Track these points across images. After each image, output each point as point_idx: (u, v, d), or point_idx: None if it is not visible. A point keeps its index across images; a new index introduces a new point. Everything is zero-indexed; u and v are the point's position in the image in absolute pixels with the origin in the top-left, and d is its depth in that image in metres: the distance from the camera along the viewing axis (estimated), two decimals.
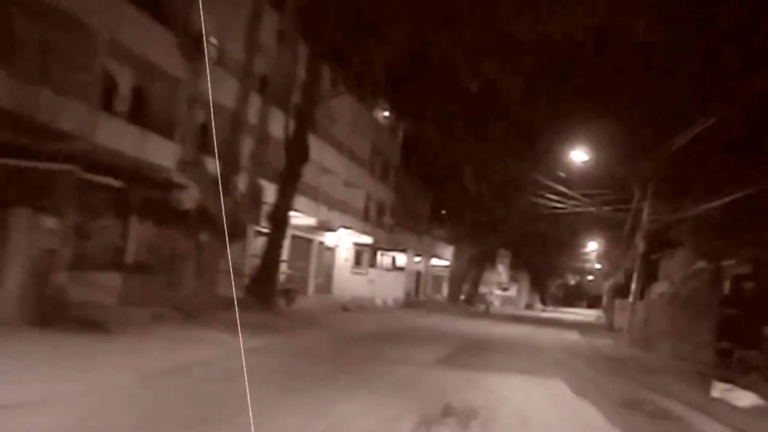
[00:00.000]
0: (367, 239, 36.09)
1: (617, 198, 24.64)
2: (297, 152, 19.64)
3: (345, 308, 25.90)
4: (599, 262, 63.44)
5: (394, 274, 36.29)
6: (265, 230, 25.43)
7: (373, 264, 38.31)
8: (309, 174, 29.92)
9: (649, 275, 33.92)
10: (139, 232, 19.34)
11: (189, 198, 19.20)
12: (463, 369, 11.41)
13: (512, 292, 61.08)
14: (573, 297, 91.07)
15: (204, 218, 14.45)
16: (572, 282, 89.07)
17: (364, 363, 11.23)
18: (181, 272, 14.96)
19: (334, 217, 31.46)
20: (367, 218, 36.78)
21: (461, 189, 37.54)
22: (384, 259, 40.17)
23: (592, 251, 61.01)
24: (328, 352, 12.48)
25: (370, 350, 13.24)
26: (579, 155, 24.30)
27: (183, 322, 13.68)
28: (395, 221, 39.83)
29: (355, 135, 34.51)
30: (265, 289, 18.83)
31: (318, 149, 29.44)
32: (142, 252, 19.48)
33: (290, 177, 19.58)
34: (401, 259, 40.90)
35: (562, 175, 26.00)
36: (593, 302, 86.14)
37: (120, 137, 17.31)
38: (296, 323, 17.15)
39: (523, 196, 31.28)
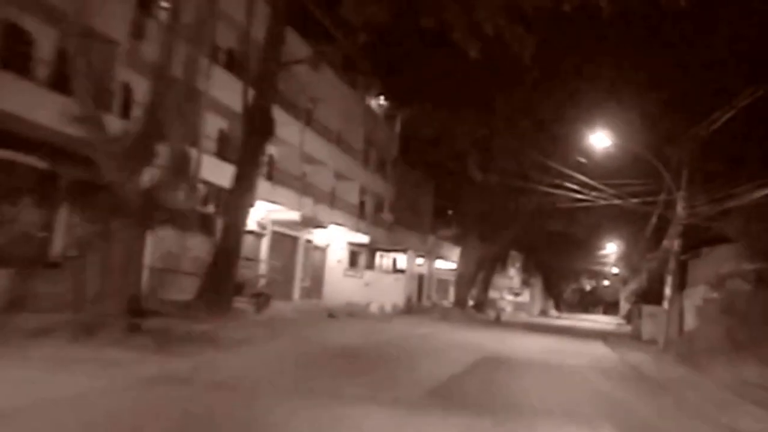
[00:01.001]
0: (363, 238, 32.44)
1: (644, 190, 20.91)
2: (257, 124, 15.97)
3: (331, 315, 22.30)
4: (617, 265, 59.75)
5: (393, 276, 32.58)
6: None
7: (370, 266, 34.69)
8: (291, 162, 26.46)
9: (679, 279, 30.27)
10: (68, 221, 15.98)
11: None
12: (467, 410, 7.65)
13: (524, 297, 57.25)
14: (588, 303, 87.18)
15: (118, 200, 10.90)
16: (588, 287, 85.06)
17: (312, 399, 7.58)
18: (88, 269, 11.39)
19: (323, 212, 27.86)
20: (362, 215, 33.13)
21: (467, 181, 33.81)
22: (384, 260, 36.52)
23: (611, 254, 57.26)
24: (271, 380, 8.85)
25: (333, 376, 9.59)
26: (600, 139, 20.44)
27: (79, 335, 10.12)
28: (395, 219, 36.10)
29: (346, 122, 30.93)
30: (219, 292, 15.23)
31: (300, 134, 25.99)
32: (73, 245, 16.18)
33: (250, 154, 15.89)
34: (402, 260, 37.33)
35: (583, 160, 22.22)
36: (609, 308, 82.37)
37: (39, 107, 13.92)
38: (255, 335, 13.58)
39: (537, 188, 27.40)
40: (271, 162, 25.49)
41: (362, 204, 33.36)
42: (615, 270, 66.88)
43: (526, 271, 59.82)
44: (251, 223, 23.90)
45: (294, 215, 25.19)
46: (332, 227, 29.13)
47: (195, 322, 13.84)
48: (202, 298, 15.07)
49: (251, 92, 16.37)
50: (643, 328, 27.06)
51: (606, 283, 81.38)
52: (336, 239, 31.16)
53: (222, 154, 21.38)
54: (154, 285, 18.97)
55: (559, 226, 38.71)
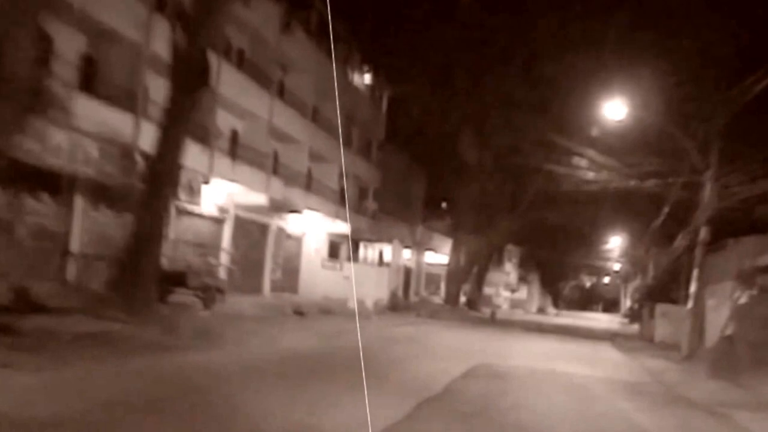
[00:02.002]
0: (344, 227, 29.32)
1: (659, 171, 17.81)
2: (186, 73, 12.71)
3: (298, 312, 19.22)
4: (621, 260, 56.95)
5: (377, 270, 29.47)
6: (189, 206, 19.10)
7: (353, 258, 31.62)
8: (258, 138, 23.32)
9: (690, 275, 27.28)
10: None
11: None
12: None
13: (521, 294, 54.26)
14: (586, 300, 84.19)
15: None
16: (588, 284, 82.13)
17: None
18: None
19: (296, 195, 24.75)
20: (343, 201, 29.98)
21: (460, 164, 30.81)
22: (369, 252, 33.46)
23: (613, 248, 54.31)
24: (128, 411, 5.77)
25: (225, 407, 6.43)
26: (614, 110, 17.21)
27: None
28: (381, 207, 32.95)
29: (324, 97, 27.76)
30: (135, 283, 12.07)
31: (269, 106, 22.87)
32: None
33: (178, 111, 12.62)
34: (389, 252, 34.27)
35: (595, 133, 19.02)
36: (609, 306, 79.29)
37: None
38: (175, 339, 10.48)
39: (540, 167, 24.20)
40: (235, 137, 22.34)
41: (343, 189, 30.22)
42: (616, 266, 64.27)
43: (524, 266, 56.90)
44: (210, 206, 20.87)
45: (261, 198, 22.07)
46: (308, 214, 26.01)
47: (102, 321, 10.79)
48: (119, 290, 11.92)
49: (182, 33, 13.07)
50: (657, 329, 24.01)
51: (606, 280, 78.58)
52: (313, 228, 28.04)
53: None
54: (81, 274, 15.99)
55: (560, 218, 35.64)
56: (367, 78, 32.71)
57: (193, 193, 18.25)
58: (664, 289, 30.43)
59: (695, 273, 16.85)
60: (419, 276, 34.80)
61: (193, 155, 18.06)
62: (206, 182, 18.79)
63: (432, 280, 39.05)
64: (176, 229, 18.26)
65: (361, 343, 12.31)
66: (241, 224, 22.80)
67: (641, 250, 38.38)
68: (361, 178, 32.28)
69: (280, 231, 25.68)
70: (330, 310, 21.64)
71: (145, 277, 12.03)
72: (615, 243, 50.35)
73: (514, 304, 49.19)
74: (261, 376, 8.52)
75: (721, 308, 17.48)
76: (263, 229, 24.56)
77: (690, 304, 16.85)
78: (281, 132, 24.05)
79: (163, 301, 15.01)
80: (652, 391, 10.79)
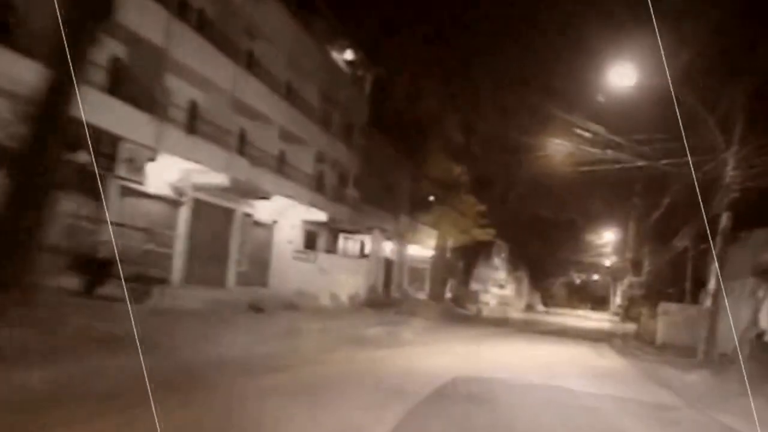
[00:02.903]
0: (321, 215, 26.96)
1: (674, 147, 15.56)
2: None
3: (255, 308, 16.90)
4: (613, 256, 55.09)
5: (355, 262, 27.16)
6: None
7: (331, 249, 29.30)
8: (221, 112, 20.92)
9: (696, 271, 25.15)
10: None
11: None
12: None
13: (510, 290, 52.10)
14: (575, 298, 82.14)
15: None
16: (577, 281, 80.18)
17: None
18: None
19: (266, 180, 22.35)
20: (321, 188, 27.64)
21: (446, 147, 28.59)
22: (350, 243, 31.13)
23: (605, 244, 52.40)
24: None
25: None
26: (620, 76, 14.86)
27: None
28: (363, 196, 30.56)
29: (300, 73, 25.39)
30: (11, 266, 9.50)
31: (230, 75, 20.43)
32: None
33: (70, 49, 9.85)
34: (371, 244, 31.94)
35: (599, 99, 16.65)
36: (598, 304, 77.01)
37: None
38: (49, 343, 8.03)
39: (532, 148, 21.87)
40: (193, 110, 19.90)
41: (321, 175, 27.88)
42: (607, 263, 62.44)
43: (512, 262, 54.77)
44: (162, 187, 18.46)
45: (222, 179, 19.67)
46: (280, 200, 23.63)
47: None
48: None
49: None
50: (660, 330, 21.85)
51: (596, 277, 76.67)
52: (286, 215, 25.62)
53: (115, 90, 15.86)
54: None
55: (550, 210, 33.66)
56: (349, 56, 30.32)
57: (136, 169, 15.83)
58: (663, 286, 28.36)
59: (714, 267, 14.64)
60: (402, 269, 32.43)
61: (134, 125, 15.75)
62: (152, 158, 16.34)
63: (417, 274, 36.74)
64: (118, 210, 15.86)
65: (331, 347, 9.92)
66: (201, 209, 20.38)
67: (636, 243, 36.24)
68: (341, 163, 29.89)
69: (247, 218, 23.27)
70: (296, 305, 19.34)
71: (21, 259, 9.47)
72: (607, 238, 48.59)
73: (503, 301, 46.99)
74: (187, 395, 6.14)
75: (739, 307, 15.37)
76: (227, 215, 22.15)
77: (708, 302, 14.64)
78: (248, 108, 21.63)
79: (89, 293, 12.67)
80: (687, 419, 8.49)
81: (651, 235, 27.89)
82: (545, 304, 63.10)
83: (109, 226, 14.01)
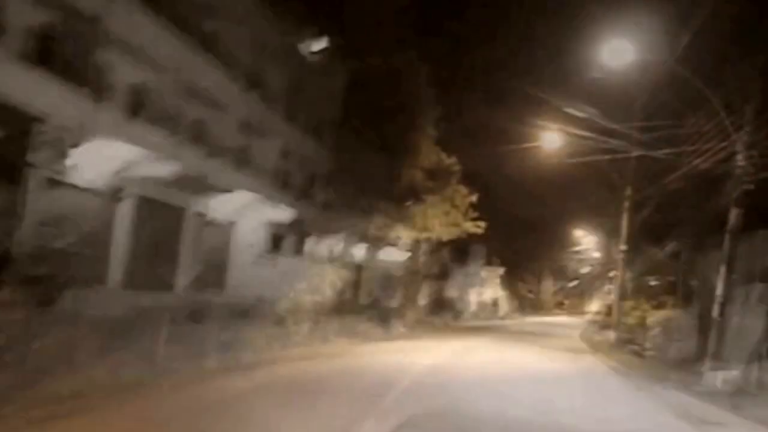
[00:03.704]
0: (286, 215, 24.91)
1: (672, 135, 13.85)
2: None
3: (195, 316, 14.85)
4: (592, 262, 53.84)
5: (322, 266, 25.06)
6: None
7: (298, 252, 27.24)
8: (171, 96, 18.83)
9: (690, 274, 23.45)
10: None
11: None
12: None
13: (487, 295, 50.41)
14: (554, 304, 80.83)
15: None
16: (555, 288, 78.82)
17: None
18: None
19: (223, 173, 20.30)
20: (287, 186, 25.59)
21: (422, 139, 26.81)
22: (317, 246, 29.05)
23: (584, 249, 51.16)
24: None
25: None
26: (616, 53, 13.03)
27: None
28: (333, 194, 28.46)
29: (265, 61, 23.36)
30: None
31: (182, 55, 18.40)
32: None
33: None
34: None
35: (597, 76, 14.79)
36: (575, 310, 75.38)
37: None
38: None
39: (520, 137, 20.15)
40: (139, 91, 17.75)
41: (287, 172, 25.81)
42: (584, 270, 61.43)
43: (490, 266, 53.11)
44: (98, 178, 16.28)
45: (170, 170, 17.58)
46: (239, 196, 21.57)
47: None
48: None
49: None
50: (649, 340, 20.09)
51: (573, 283, 75.55)
52: (247, 215, 23.50)
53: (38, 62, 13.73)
54: None
55: (534, 209, 32.11)
56: (321, 45, 28.31)
57: (58, 155, 13.68)
58: (654, 290, 26.69)
59: (722, 271, 12.85)
60: (374, 274, 30.32)
61: (57, 102, 13.65)
62: (75, 144, 14.19)
63: (390, 279, 34.67)
64: (36, 204, 13.69)
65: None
66: (146, 205, 18.21)
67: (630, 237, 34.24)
68: (310, 160, 27.85)
69: (201, 217, 21.13)
70: (251, 312, 17.26)
71: None
72: (587, 244, 47.42)
73: (480, 307, 45.55)
74: None
75: (746, 316, 13.62)
76: (178, 212, 20.00)
77: (715, 311, 12.84)
78: (204, 94, 19.61)
79: None
80: None
81: (642, 233, 26.06)
82: (522, 310, 61.44)
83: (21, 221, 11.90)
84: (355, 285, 27.01)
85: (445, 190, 30.69)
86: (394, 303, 29.75)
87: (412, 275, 31.89)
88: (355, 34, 26.91)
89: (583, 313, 60.88)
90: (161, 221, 19.30)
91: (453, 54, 25.64)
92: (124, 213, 17.28)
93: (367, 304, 26.94)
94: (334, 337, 21.95)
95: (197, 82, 19.14)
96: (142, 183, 17.52)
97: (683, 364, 15.39)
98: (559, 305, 72.45)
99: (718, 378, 11.90)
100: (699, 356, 14.34)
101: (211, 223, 21.95)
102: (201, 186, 19.37)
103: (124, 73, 16.94)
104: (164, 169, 17.54)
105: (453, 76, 25.89)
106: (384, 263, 32.22)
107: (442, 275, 37.33)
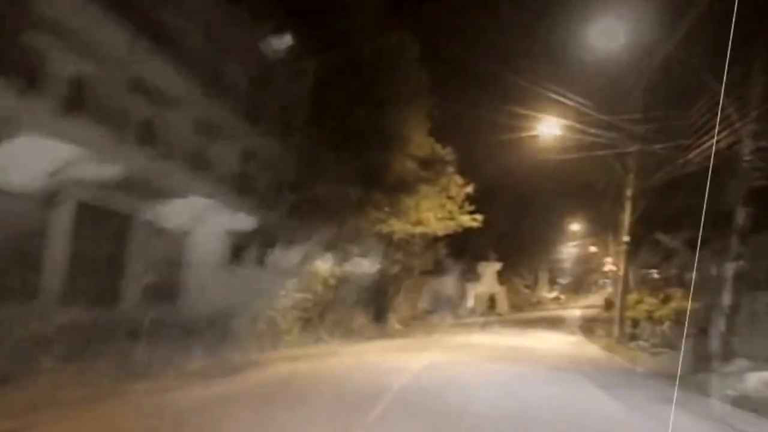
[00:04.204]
0: (249, 223, 23.23)
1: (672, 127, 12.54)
2: None
3: (131, 334, 13.13)
4: (590, 255, 53.56)
5: (285, 278, 23.41)
6: None
7: (262, 262, 25.53)
8: (116, 91, 17.09)
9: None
10: None
11: None
12: None
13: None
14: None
15: None
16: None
17: None
18: None
19: (176, 176, 18.60)
20: (249, 191, 23.89)
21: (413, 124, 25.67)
22: (282, 256, 27.28)
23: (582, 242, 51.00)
24: None
25: None
26: (606, 36, 11.61)
27: None
28: (303, 203, 26.60)
29: (224, 57, 21.72)
30: None
31: (126, 44, 16.69)
32: None
33: None
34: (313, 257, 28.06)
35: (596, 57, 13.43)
36: (570, 303, 73.81)
37: None
38: None
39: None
40: (76, 84, 15.98)
41: (250, 176, 24.13)
42: (581, 264, 61.49)
43: (487, 262, 51.66)
44: (26, 179, 14.48)
45: (113, 172, 15.83)
46: (195, 202, 19.87)
47: None
48: None
49: None
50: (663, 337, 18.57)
51: (569, 278, 74.93)
52: (205, 222, 21.75)
53: None
54: None
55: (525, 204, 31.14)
56: (287, 42, 26.71)
57: None
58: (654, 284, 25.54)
59: (728, 278, 11.45)
60: (343, 287, 28.52)
61: None
62: None
63: (361, 292, 33.00)
64: None
65: None
66: (87, 212, 16.37)
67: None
68: (275, 164, 26.17)
69: (152, 224, 19.32)
70: (201, 330, 15.58)
71: None
72: (583, 238, 47.20)
73: (477, 302, 44.98)
74: None
75: (755, 328, 12.23)
76: (124, 219, 18.19)
77: (721, 325, 11.41)
78: (154, 89, 17.93)
79: None
80: None
81: (645, 223, 24.59)
82: (522, 305, 60.04)
83: None
84: (322, 298, 25.26)
85: (439, 180, 29.07)
86: (362, 318, 28.17)
87: (383, 288, 30.34)
88: (328, 23, 25.42)
89: (579, 307, 60.03)
90: (105, 229, 17.54)
91: (440, 40, 24.20)
92: (61, 220, 15.47)
93: (334, 317, 25.27)
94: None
95: (146, 76, 17.45)
96: (81, 186, 15.74)
97: (700, 362, 14.02)
98: (555, 300, 71.51)
99: (751, 380, 10.36)
100: (721, 354, 13.00)
101: (163, 232, 20.17)
102: (150, 191, 17.65)
103: (60, 63, 15.22)
104: (107, 171, 15.83)
105: (444, 62, 24.59)
106: (355, 274, 30.50)
107: (438, 271, 36.16)
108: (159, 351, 13.36)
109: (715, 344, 15.46)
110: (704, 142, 11.39)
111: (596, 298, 62.20)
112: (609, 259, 51.55)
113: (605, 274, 59.35)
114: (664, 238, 23.23)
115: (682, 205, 18.52)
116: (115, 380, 11.00)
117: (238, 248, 24.18)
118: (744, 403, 9.75)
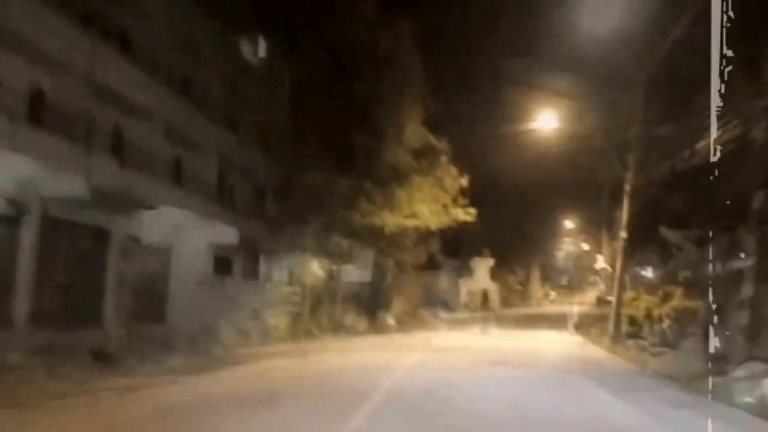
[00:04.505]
0: (231, 235, 22.39)
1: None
2: None
3: (98, 354, 12.47)
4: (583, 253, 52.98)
5: (272, 289, 22.67)
6: None
7: (249, 275, 24.72)
8: (75, 99, 16.31)
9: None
10: None
11: None
12: None
13: (478, 286, 48.29)
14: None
15: None
16: (543, 279, 77.50)
17: None
18: None
19: (151, 188, 17.81)
20: (230, 203, 23.13)
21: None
22: (268, 268, 26.55)
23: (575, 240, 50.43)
24: None
25: None
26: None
27: None
28: (287, 212, 25.83)
29: (198, 63, 21.05)
30: None
31: (87, 51, 15.95)
32: None
33: None
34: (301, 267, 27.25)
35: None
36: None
37: None
38: None
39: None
40: (40, 96, 15.20)
41: (230, 187, 23.36)
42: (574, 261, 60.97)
43: (480, 258, 50.91)
44: None
45: (80, 187, 15.01)
46: (172, 216, 19.06)
47: None
48: None
49: None
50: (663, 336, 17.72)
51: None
52: (187, 236, 20.93)
53: None
54: None
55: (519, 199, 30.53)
56: (262, 50, 26.03)
57: None
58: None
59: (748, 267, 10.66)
60: (334, 295, 27.75)
61: None
62: None
63: (355, 299, 32.21)
64: None
65: None
66: (57, 228, 15.58)
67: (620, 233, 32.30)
68: (256, 174, 25.42)
69: (131, 239, 18.51)
70: (175, 346, 14.82)
71: None
72: (576, 235, 46.65)
73: (470, 299, 44.30)
74: None
75: None
76: (100, 236, 17.38)
77: (732, 324, 10.57)
78: (122, 98, 17.18)
79: None
80: None
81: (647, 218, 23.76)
82: (514, 301, 59.26)
83: None
84: (313, 307, 24.45)
85: (433, 171, 28.30)
86: (360, 325, 27.34)
87: (377, 294, 29.60)
88: (299, 39, 24.76)
89: (570, 304, 59.37)
90: (80, 246, 16.74)
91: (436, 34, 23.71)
92: (28, 238, 14.65)
93: (327, 326, 24.47)
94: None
95: (113, 85, 16.68)
96: (48, 202, 14.94)
97: (709, 364, 13.12)
98: (547, 296, 70.81)
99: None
100: (732, 356, 12.20)
101: (144, 247, 19.36)
102: (123, 204, 16.85)
103: (20, 74, 14.46)
104: (73, 184, 15.01)
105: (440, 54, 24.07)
106: (346, 282, 29.69)
107: (432, 267, 35.42)
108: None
109: (722, 345, 14.60)
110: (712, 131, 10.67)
111: (588, 296, 61.89)
112: (600, 257, 51.02)
113: (597, 272, 58.69)
114: (670, 234, 22.44)
115: (689, 198, 17.87)
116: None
117: (225, 261, 23.37)
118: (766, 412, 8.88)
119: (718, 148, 16.13)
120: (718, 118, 10.97)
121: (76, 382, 10.79)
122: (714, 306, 17.80)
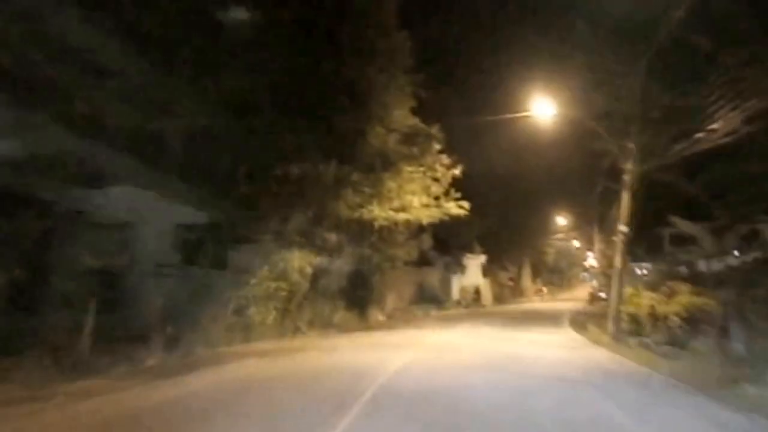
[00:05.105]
0: (200, 216, 20.11)
1: None
2: None
3: None
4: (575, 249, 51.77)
5: (245, 278, 20.43)
6: None
7: (219, 262, 22.34)
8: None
9: None
10: None
11: None
12: None
13: (470, 282, 47.22)
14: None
15: None
16: (535, 275, 76.82)
17: None
18: None
19: (97, 154, 15.45)
20: (199, 179, 20.69)
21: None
22: (242, 255, 24.07)
23: (567, 236, 49.43)
24: None
25: None
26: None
27: None
28: (261, 190, 23.36)
29: (158, 17, 18.57)
30: None
31: None
32: None
33: None
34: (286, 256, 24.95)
35: None
36: (554, 296, 72.69)
37: None
38: None
39: None
40: None
41: (196, 158, 20.93)
42: (566, 257, 59.97)
43: (472, 254, 49.78)
44: None
45: (9, 147, 12.68)
46: (129, 192, 16.77)
47: None
48: None
49: None
50: (670, 335, 16.28)
51: (552, 271, 73.32)
52: (149, 216, 18.60)
53: None
54: None
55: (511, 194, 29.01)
56: (240, 11, 23.52)
57: None
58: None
59: None
60: (316, 287, 25.37)
61: None
62: None
63: (345, 280, 30.12)
64: None
65: None
66: None
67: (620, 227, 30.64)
68: (228, 147, 22.89)
69: (80, 215, 16.11)
70: (153, 343, 12.79)
71: None
72: (567, 231, 45.72)
73: (462, 295, 44.87)
74: None
75: None
76: (43, 208, 14.96)
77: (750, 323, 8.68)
78: (70, 50, 14.73)
79: None
80: None
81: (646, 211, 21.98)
82: (506, 297, 58.03)
83: None
84: (289, 300, 22.18)
85: (424, 158, 26.22)
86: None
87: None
88: None
89: (562, 300, 58.58)
90: (16, 221, 14.36)
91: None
92: None
93: (307, 320, 22.36)
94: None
95: (60, 33, 14.28)
96: None
97: (729, 368, 11.52)
98: (539, 292, 69.72)
99: None
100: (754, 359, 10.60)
101: (101, 225, 17.05)
102: (68, 174, 14.52)
103: None
104: (11, 147, 12.72)
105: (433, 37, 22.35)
106: (330, 272, 27.46)
107: (423, 262, 34.71)
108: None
109: (743, 345, 13.14)
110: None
111: (579, 292, 61.53)
112: (591, 254, 50.18)
113: (587, 269, 57.67)
114: (685, 224, 20.82)
115: (702, 185, 16.50)
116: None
117: (192, 246, 21.02)
118: None
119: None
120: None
121: (30, 387, 10.20)
122: (732, 302, 16.11)
